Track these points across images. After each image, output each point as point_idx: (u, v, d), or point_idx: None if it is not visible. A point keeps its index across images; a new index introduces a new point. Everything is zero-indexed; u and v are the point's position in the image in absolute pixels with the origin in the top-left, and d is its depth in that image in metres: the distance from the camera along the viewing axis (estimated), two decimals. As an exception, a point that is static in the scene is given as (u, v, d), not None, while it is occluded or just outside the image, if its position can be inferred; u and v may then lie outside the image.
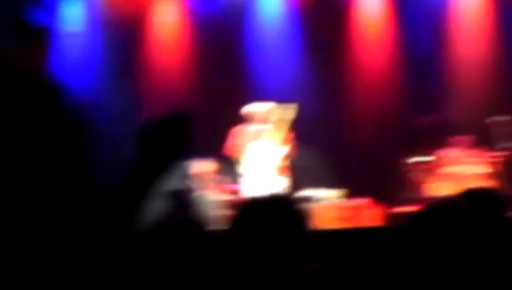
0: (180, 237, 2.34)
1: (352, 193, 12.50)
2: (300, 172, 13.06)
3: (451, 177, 12.54)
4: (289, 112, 11.99)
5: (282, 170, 12.09)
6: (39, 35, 13.57)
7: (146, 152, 2.36)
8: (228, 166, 12.60)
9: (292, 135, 12.12)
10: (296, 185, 12.92)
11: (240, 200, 11.80)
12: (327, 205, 12.30)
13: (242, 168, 12.09)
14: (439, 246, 2.31)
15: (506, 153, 12.49)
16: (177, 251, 2.25)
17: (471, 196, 3.41)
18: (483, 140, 12.70)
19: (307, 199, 12.34)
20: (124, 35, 13.97)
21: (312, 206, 11.97)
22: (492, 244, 2.35)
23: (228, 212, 11.70)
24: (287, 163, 12.23)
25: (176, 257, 2.23)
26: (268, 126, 12.07)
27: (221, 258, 2.33)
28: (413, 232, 2.38)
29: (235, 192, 12.49)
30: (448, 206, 2.40)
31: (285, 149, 12.02)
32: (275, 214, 2.89)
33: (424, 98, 13.73)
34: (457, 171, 12.61)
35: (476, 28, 14.35)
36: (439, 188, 12.52)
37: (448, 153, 12.83)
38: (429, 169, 12.91)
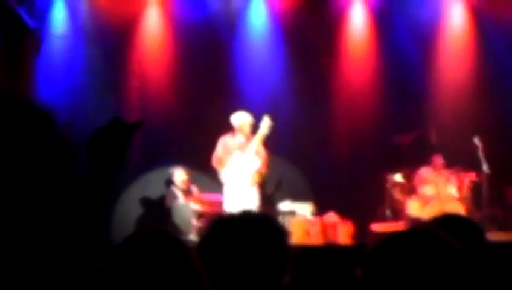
0: (153, 249, 2.32)
1: (327, 208, 12.49)
2: (275, 184, 13.12)
3: (427, 197, 12.60)
4: (265, 124, 11.95)
5: (257, 182, 12.06)
6: (29, 37, 13.55)
7: (93, 159, 2.41)
8: (210, 175, 12.61)
9: (266, 148, 12.09)
10: (270, 197, 12.96)
11: (220, 211, 11.78)
12: (301, 219, 12.31)
13: (224, 178, 12.06)
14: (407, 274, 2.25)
15: (479, 175, 12.53)
16: (150, 263, 2.24)
17: (449, 222, 3.33)
18: (465, 160, 12.79)
19: (283, 213, 12.38)
20: (110, 41, 13.93)
21: (287, 220, 12.00)
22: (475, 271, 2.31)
23: (206, 223, 11.65)
24: (261, 175, 12.21)
25: (148, 270, 2.22)
26: (249, 137, 12.03)
27: (194, 271, 2.31)
28: (381, 257, 2.31)
29: (215, 203, 12.46)
30: (422, 232, 2.33)
31: (260, 161, 11.97)
32: (258, 229, 2.90)
33: (405, 115, 13.72)
34: (433, 191, 12.66)
35: (460, 48, 14.33)
36: (416, 207, 12.57)
37: (426, 172, 12.90)
38: (407, 187, 12.97)
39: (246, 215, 3.00)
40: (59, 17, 14.14)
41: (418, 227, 2.54)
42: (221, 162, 12.04)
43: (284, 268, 2.92)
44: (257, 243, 2.87)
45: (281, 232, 2.99)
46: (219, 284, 2.73)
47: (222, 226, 2.93)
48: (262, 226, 2.93)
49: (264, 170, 12.08)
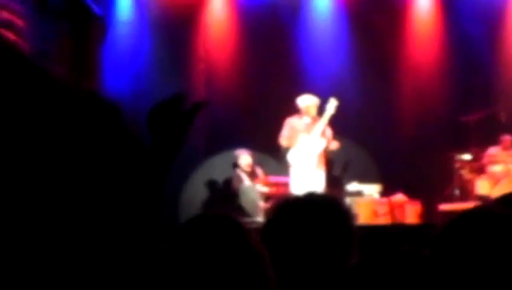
0: (212, 232, 2.32)
1: (395, 189, 12.48)
2: (342, 166, 13.12)
3: (497, 176, 12.48)
4: (332, 106, 11.99)
5: (323, 163, 12.09)
6: (95, 24, 13.70)
7: (153, 133, 2.37)
8: (276, 158, 12.66)
9: (333, 129, 12.11)
10: (337, 178, 12.97)
11: (286, 193, 11.83)
12: (369, 199, 12.31)
13: (291, 160, 12.10)
14: (473, 255, 2.21)
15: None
16: (209, 247, 2.24)
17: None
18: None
19: (350, 193, 12.38)
20: (175, 27, 14.05)
21: (354, 201, 12.01)
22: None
23: (273, 204, 11.72)
24: (328, 156, 12.25)
25: (208, 254, 2.22)
26: (316, 119, 12.07)
27: (255, 254, 2.30)
28: (448, 237, 2.28)
29: (281, 184, 12.52)
30: (484, 214, 2.30)
31: (326, 143, 12.01)
32: (323, 212, 2.88)
33: (473, 94, 13.60)
34: (503, 170, 12.53)
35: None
36: (486, 186, 12.46)
37: (495, 151, 12.76)
38: (476, 167, 12.85)
39: (311, 198, 3.00)
40: (124, 4, 14.29)
41: (485, 206, 2.49)
42: (289, 142, 12.09)
43: (349, 251, 2.92)
44: (322, 225, 2.86)
45: (347, 215, 2.99)
46: (285, 267, 2.74)
47: (287, 209, 2.93)
48: (327, 208, 2.92)
49: (331, 150, 12.11)
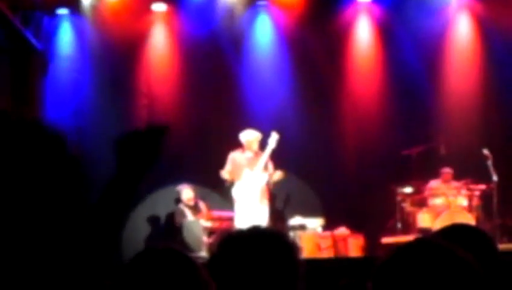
0: (162, 266, 2.29)
1: (337, 222, 12.50)
2: (284, 200, 13.12)
3: (438, 209, 12.57)
4: (273, 139, 12.01)
5: (266, 197, 12.09)
6: (36, 59, 13.60)
7: (120, 159, 2.34)
8: (219, 192, 12.62)
9: (274, 163, 12.12)
10: (280, 212, 12.96)
11: (230, 227, 11.79)
12: (312, 233, 12.31)
13: (235, 194, 12.08)
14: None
15: (489, 186, 12.50)
16: (159, 280, 2.20)
17: (457, 232, 3.27)
18: (475, 171, 12.75)
19: (293, 227, 12.37)
20: (117, 62, 13.98)
21: (297, 235, 12.00)
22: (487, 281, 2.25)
23: (217, 239, 11.65)
24: (271, 190, 12.25)
25: (158, 287, 2.18)
26: (258, 153, 12.09)
27: (204, 288, 2.27)
28: (389, 269, 2.26)
29: (225, 219, 12.48)
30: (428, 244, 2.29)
31: (268, 177, 12.02)
32: (269, 245, 2.86)
33: (413, 128, 13.71)
34: (444, 203, 12.62)
35: (466, 59, 14.30)
36: (427, 219, 12.54)
37: (436, 184, 12.88)
38: (418, 200, 12.93)
39: (255, 231, 2.98)
40: (65, 38, 14.21)
41: (425, 238, 2.49)
42: (231, 177, 12.08)
43: (295, 284, 2.91)
44: (268, 258, 2.83)
45: (292, 248, 2.97)
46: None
47: (232, 242, 2.91)
48: (272, 241, 2.90)
49: (274, 182, 12.11)
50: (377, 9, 14.52)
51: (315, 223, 12.48)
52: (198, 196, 12.80)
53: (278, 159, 12.15)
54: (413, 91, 14.05)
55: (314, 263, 10.00)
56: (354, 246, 12.20)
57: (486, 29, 14.27)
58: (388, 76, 14.39)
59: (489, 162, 12.46)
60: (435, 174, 12.95)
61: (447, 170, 12.83)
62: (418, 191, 12.93)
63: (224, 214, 12.49)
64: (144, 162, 2.33)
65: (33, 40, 13.36)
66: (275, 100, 14.06)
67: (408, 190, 12.92)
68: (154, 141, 2.35)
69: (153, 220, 13.13)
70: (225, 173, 12.11)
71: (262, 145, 12.11)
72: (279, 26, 14.52)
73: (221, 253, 2.87)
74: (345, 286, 2.91)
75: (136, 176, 2.33)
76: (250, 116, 13.59)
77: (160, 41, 14.49)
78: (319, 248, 12.04)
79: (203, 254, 11.72)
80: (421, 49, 14.16)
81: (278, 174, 12.06)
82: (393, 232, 12.68)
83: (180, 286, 2.21)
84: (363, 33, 14.63)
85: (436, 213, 12.47)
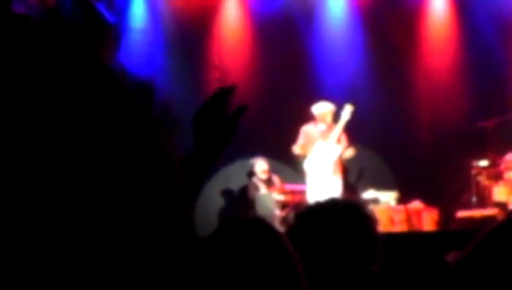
0: (248, 236, 2.24)
1: (411, 196, 12.41)
2: (358, 173, 13.06)
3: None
4: (347, 112, 11.95)
5: (339, 170, 12.04)
6: (110, 32, 13.72)
7: (197, 135, 2.30)
8: (292, 165, 12.61)
9: (348, 136, 12.05)
10: (353, 185, 12.90)
11: (303, 201, 11.78)
12: (385, 207, 12.24)
13: (307, 168, 12.05)
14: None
15: None
16: (245, 250, 2.17)
17: None
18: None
19: (367, 201, 12.31)
20: (189, 35, 14.04)
21: (371, 208, 11.94)
22: None
23: (290, 212, 11.67)
24: (344, 163, 12.19)
25: (243, 258, 2.15)
26: (331, 126, 12.02)
27: (289, 259, 2.24)
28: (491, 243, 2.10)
29: (297, 192, 12.47)
30: None
31: (341, 149, 11.95)
32: (347, 218, 2.86)
33: (489, 100, 13.53)
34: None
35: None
36: (503, 193, 12.36)
37: (513, 157, 12.68)
38: (493, 173, 12.75)
39: (334, 203, 2.96)
40: (138, 11, 14.29)
41: None
42: (303, 150, 12.04)
43: (373, 256, 2.87)
44: (347, 230, 2.82)
45: (370, 220, 2.95)
46: (308, 273, 2.69)
47: (311, 214, 2.88)
48: (351, 213, 2.88)
49: (348, 155, 12.05)
50: (452, -20, 14.37)
51: (388, 197, 12.40)
52: (272, 169, 12.79)
53: (352, 131, 12.07)
54: (489, 62, 13.86)
55: (389, 237, 9.94)
56: (428, 220, 12.09)
57: None
58: (462, 47, 14.22)
59: None
60: (512, 147, 12.75)
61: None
62: (494, 164, 12.73)
63: (297, 187, 12.48)
64: (221, 135, 2.29)
65: (106, 14, 13.46)
66: (348, 73, 13.99)
67: (484, 163, 12.73)
68: (230, 119, 2.31)
69: (226, 193, 13.19)
70: (297, 148, 12.07)
71: (336, 117, 12.04)
72: (352, -1, 14.45)
73: (299, 225, 2.85)
74: (424, 261, 2.85)
75: (214, 151, 2.30)
76: (323, 88, 13.54)
77: (232, 14, 14.49)
78: (392, 221, 11.96)
79: (276, 227, 11.70)
80: (496, 20, 13.95)
81: (349, 152, 11.99)
82: (468, 206, 12.51)
83: (267, 257, 2.18)
84: (438, 4, 14.45)
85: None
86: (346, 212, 2.87)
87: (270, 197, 12.50)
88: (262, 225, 2.26)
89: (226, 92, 2.34)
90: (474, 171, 12.70)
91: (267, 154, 12.87)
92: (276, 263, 2.17)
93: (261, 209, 12.33)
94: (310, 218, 2.86)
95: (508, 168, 12.56)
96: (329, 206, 2.92)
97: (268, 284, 2.15)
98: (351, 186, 12.67)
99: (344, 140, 12.03)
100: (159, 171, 0.85)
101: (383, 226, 11.72)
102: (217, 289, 2.13)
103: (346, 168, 12.43)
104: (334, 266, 2.78)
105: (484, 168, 12.76)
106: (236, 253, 2.16)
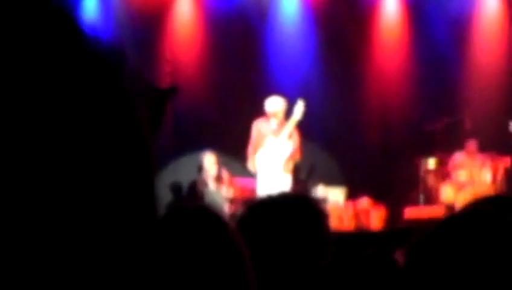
0: (197, 226, 2.22)
1: (360, 193, 12.49)
2: (308, 169, 13.09)
3: (462, 182, 12.50)
4: (299, 108, 11.94)
5: (288, 167, 12.04)
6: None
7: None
8: (242, 160, 12.59)
9: (299, 133, 12.06)
10: (303, 182, 12.93)
11: (252, 197, 11.75)
12: (334, 205, 12.28)
13: (257, 164, 12.03)
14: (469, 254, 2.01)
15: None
16: (191, 239, 2.14)
17: (496, 202, 3.15)
18: (499, 145, 12.66)
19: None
20: (141, 29, 13.94)
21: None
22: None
23: (238, 208, 11.63)
24: (295, 161, 12.19)
25: (189, 246, 2.12)
26: (283, 122, 12.01)
27: (236, 248, 2.21)
28: (439, 238, 2.07)
29: (247, 188, 12.44)
30: (479, 212, 2.11)
31: (292, 145, 11.94)
32: (298, 210, 2.84)
33: (438, 101, 13.65)
34: (467, 176, 12.56)
35: (494, 34, 14.24)
36: (450, 192, 12.48)
37: (460, 157, 12.79)
38: (441, 173, 12.88)
39: (285, 197, 2.95)
40: (90, 4, 14.16)
41: (476, 207, 2.33)
42: (253, 148, 12.03)
43: (323, 251, 2.87)
44: (297, 224, 2.81)
45: (321, 214, 2.94)
46: (257, 266, 2.68)
47: (261, 207, 2.87)
48: (302, 207, 2.88)
49: (297, 157, 12.05)
50: (404, -21, 14.46)
51: (337, 195, 12.45)
52: (222, 164, 12.76)
53: (302, 128, 12.09)
54: (440, 63, 14.01)
55: (336, 235, 9.98)
56: (375, 218, 12.16)
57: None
58: (414, 48, 14.36)
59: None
60: (460, 147, 12.87)
61: (472, 142, 12.73)
62: (442, 163, 12.86)
63: (246, 182, 12.46)
64: (152, 121, 2.26)
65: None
66: (301, 70, 14.04)
67: (432, 162, 12.86)
68: (159, 101, 2.27)
69: (175, 187, 13.12)
70: (251, 149, 12.04)
71: (288, 114, 12.04)
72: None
73: (250, 217, 2.83)
74: (372, 256, 2.85)
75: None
76: (275, 84, 13.56)
77: (186, 9, 14.45)
78: (341, 219, 12.02)
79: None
80: (448, 21, 14.09)
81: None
82: (415, 204, 12.63)
83: (213, 245, 2.16)
84: (390, 4, 14.55)
85: (460, 186, 12.41)
86: (298, 206, 2.86)
87: (219, 192, 12.47)
88: (209, 213, 2.24)
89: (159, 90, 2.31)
90: (422, 170, 12.81)
91: (217, 148, 12.84)
92: (222, 252, 2.15)
93: (209, 205, 12.28)
94: (261, 211, 2.85)
95: (455, 168, 12.70)
96: (281, 199, 2.91)
97: (214, 272, 2.13)
98: (300, 182, 12.69)
99: (296, 136, 12.03)
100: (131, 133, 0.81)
101: (331, 225, 11.78)
102: (163, 276, 2.11)
103: (296, 165, 12.44)
104: (283, 260, 2.76)
105: (432, 167, 12.89)
106: (182, 241, 2.14)
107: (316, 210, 2.91)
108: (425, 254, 2.09)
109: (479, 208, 2.20)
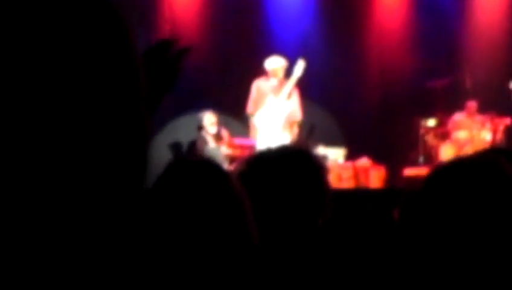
0: (198, 177, 2.22)
1: (359, 153, 12.49)
2: (308, 129, 13.09)
3: (461, 142, 12.52)
4: (299, 67, 11.89)
5: (289, 126, 12.02)
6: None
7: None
8: (242, 120, 12.58)
9: (299, 91, 12.02)
10: (303, 141, 12.93)
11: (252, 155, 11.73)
12: (333, 164, 12.29)
13: (257, 122, 12.00)
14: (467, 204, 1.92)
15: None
16: (193, 190, 2.14)
17: (496, 153, 3.09)
18: (500, 105, 12.65)
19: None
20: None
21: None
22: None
23: (239, 167, 11.64)
24: (294, 119, 12.16)
25: (191, 197, 2.12)
26: (283, 81, 11.96)
27: (237, 199, 2.21)
28: (434, 188, 1.98)
29: (246, 147, 12.45)
30: (478, 161, 2.01)
31: (292, 105, 11.91)
32: (297, 163, 2.82)
33: (438, 60, 13.62)
34: (467, 136, 12.58)
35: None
36: (450, 152, 12.50)
37: (460, 117, 12.79)
38: (441, 133, 12.89)
39: (285, 150, 2.94)
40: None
41: (480, 155, 2.24)
42: (254, 106, 11.99)
43: (323, 205, 2.86)
44: (296, 177, 2.79)
45: (321, 168, 2.93)
46: (257, 220, 2.68)
47: (261, 160, 2.86)
48: (302, 160, 2.86)
49: (297, 117, 12.02)
50: None
51: (337, 154, 12.46)
52: (221, 123, 12.76)
53: (302, 87, 12.06)
54: (441, 23, 13.95)
55: (335, 193, 10.00)
56: (375, 177, 12.19)
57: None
58: (415, 6, 14.30)
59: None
60: (460, 107, 12.87)
61: (472, 103, 12.73)
62: (442, 123, 12.87)
63: (246, 142, 12.47)
64: (164, 81, 2.23)
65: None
66: (300, 28, 13.99)
67: (431, 122, 12.87)
68: (172, 61, 2.24)
69: (175, 146, 13.14)
70: (250, 107, 12.00)
71: (288, 73, 12.00)
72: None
73: (249, 170, 2.82)
74: (371, 213, 2.86)
75: (157, 94, 2.24)
76: (275, 43, 13.52)
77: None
78: (340, 178, 12.04)
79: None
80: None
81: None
82: (415, 164, 12.66)
83: (215, 196, 2.16)
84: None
85: (459, 146, 12.42)
86: (297, 159, 2.85)
87: (219, 151, 12.48)
88: (211, 165, 2.24)
89: (174, 44, 2.28)
90: (422, 130, 12.83)
91: (218, 107, 12.84)
92: (224, 203, 2.15)
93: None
94: (260, 164, 2.83)
95: (455, 128, 12.71)
96: (280, 152, 2.89)
97: (217, 223, 2.14)
98: (300, 142, 12.69)
99: (296, 95, 11.99)
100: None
101: (331, 183, 11.81)
102: (166, 227, 2.11)
103: (297, 124, 12.43)
104: (283, 213, 2.75)
105: (432, 127, 12.90)
106: (184, 193, 2.14)
107: (316, 164, 2.90)
108: (418, 207, 2.04)
109: (465, 159, 2.13)
